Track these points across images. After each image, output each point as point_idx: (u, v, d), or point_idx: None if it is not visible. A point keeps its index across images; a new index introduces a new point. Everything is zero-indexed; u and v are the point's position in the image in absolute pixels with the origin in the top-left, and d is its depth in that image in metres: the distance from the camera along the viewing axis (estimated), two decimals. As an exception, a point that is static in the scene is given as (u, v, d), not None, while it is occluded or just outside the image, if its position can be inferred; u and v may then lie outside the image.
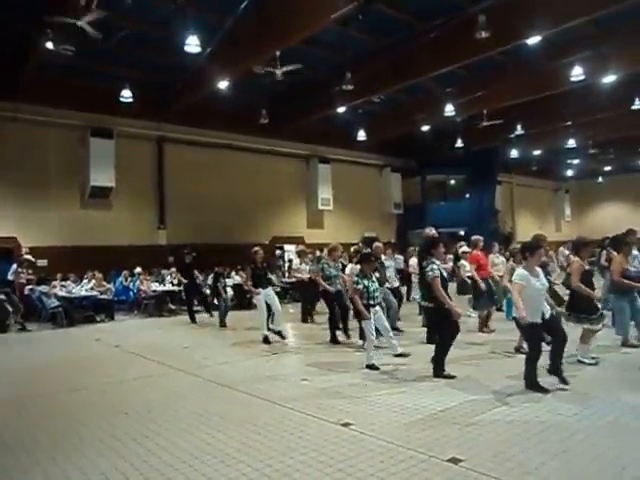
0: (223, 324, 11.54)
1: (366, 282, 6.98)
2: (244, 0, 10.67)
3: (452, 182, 25.94)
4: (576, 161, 28.54)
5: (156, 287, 14.33)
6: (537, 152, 25.52)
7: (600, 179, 31.89)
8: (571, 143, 22.54)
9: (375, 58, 13.83)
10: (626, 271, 7.50)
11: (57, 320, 12.14)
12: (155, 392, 6.26)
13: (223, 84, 13.99)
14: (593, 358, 6.68)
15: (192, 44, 10.45)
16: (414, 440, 4.32)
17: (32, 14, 10.65)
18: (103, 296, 13.20)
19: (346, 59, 13.65)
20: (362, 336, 7.84)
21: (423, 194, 24.34)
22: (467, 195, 24.59)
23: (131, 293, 14.37)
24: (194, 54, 11.10)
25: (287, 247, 19.64)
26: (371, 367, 6.77)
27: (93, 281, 13.44)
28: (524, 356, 5.90)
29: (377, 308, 7.11)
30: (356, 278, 7.08)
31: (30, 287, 12.76)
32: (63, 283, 13.34)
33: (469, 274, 9.93)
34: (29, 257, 13.50)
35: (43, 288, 12.59)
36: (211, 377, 6.83)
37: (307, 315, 11.70)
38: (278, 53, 12.15)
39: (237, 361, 7.95)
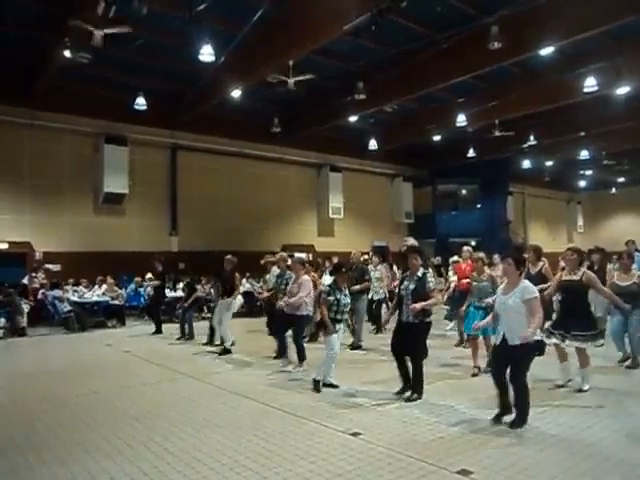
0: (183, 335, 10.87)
1: (338, 295, 6.48)
2: (257, 10, 10.78)
3: (464, 192, 25.79)
4: (589, 172, 28.29)
5: (167, 293, 14.36)
6: (550, 163, 25.37)
7: (613, 190, 31.58)
8: (584, 154, 22.37)
9: (387, 68, 13.90)
10: (613, 285, 7.15)
11: (69, 325, 12.23)
12: (164, 398, 6.28)
13: (236, 92, 14.10)
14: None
15: (206, 53, 10.58)
16: (423, 451, 4.29)
17: (50, 22, 10.87)
18: (115, 301, 13.29)
19: (358, 68, 13.72)
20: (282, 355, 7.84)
21: (434, 204, 24.28)
22: (478, 205, 24.46)
23: (142, 299, 14.45)
24: (208, 63, 11.22)
25: (297, 255, 19.62)
26: (328, 385, 6.39)
27: (104, 286, 13.53)
28: None
29: (342, 325, 6.60)
30: (328, 289, 6.66)
31: (43, 291, 12.89)
32: (75, 288, 13.46)
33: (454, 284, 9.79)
34: (50, 267, 13.73)
35: (56, 293, 12.70)
36: (220, 384, 6.84)
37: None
38: (291, 63, 12.25)
39: (245, 368, 7.96)
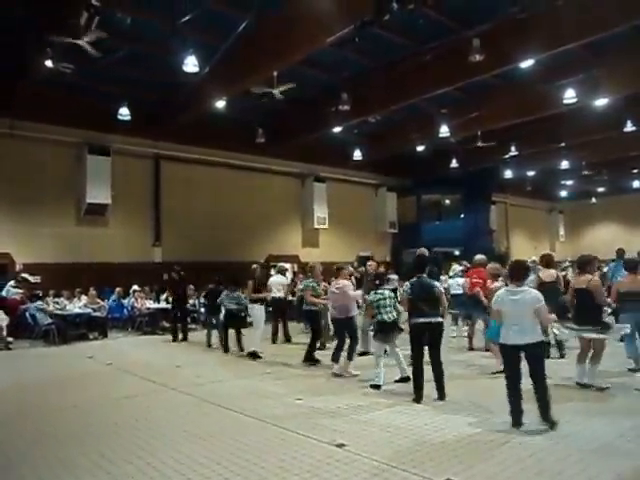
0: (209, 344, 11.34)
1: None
2: (242, 21, 10.82)
3: (447, 202, 26.03)
4: (570, 182, 28.80)
5: (150, 304, 14.24)
6: (531, 173, 25.76)
7: (593, 200, 32.12)
8: (565, 164, 22.77)
9: (371, 79, 14.01)
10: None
11: (50, 338, 12.01)
12: (147, 410, 6.19)
13: (220, 103, 14.10)
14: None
15: (190, 64, 10.56)
16: (408, 461, 4.28)
17: (31, 32, 10.78)
18: (97, 313, 13.09)
19: (342, 79, 13.82)
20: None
21: (418, 213, 24.43)
22: (462, 215, 24.68)
23: (125, 310, 14.27)
24: (192, 74, 11.21)
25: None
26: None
27: (84, 297, 13.35)
28: None
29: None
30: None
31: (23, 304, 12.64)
32: (56, 300, 13.23)
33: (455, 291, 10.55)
34: (27, 276, 13.47)
35: (37, 304, 12.46)
36: (204, 396, 6.77)
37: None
38: (275, 73, 12.30)
39: (230, 380, 7.89)
